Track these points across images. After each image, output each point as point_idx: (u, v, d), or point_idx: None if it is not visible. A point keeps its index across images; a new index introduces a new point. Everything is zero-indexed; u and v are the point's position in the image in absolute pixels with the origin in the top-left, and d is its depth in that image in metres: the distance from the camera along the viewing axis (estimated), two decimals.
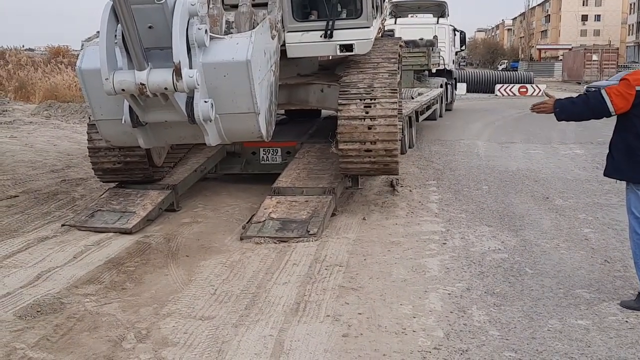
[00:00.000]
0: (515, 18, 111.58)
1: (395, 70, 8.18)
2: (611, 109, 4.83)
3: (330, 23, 8.14)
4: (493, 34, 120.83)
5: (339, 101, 7.71)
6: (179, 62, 5.44)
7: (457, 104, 24.85)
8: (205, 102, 5.95)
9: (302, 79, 9.37)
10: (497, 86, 34.18)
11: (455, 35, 23.61)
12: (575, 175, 10.55)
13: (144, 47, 5.55)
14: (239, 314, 4.92)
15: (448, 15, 22.34)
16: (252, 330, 4.61)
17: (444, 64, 21.05)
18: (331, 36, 8.16)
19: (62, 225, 7.27)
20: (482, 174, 10.74)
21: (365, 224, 7.50)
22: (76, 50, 29.03)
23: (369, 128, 7.60)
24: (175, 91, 5.60)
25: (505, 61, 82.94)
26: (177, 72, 5.45)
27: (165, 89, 5.56)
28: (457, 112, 23.05)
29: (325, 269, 5.91)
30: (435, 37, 20.16)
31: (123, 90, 5.58)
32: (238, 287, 5.51)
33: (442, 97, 19.58)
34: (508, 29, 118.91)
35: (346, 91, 7.74)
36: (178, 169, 8.79)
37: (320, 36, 8.21)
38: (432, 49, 18.82)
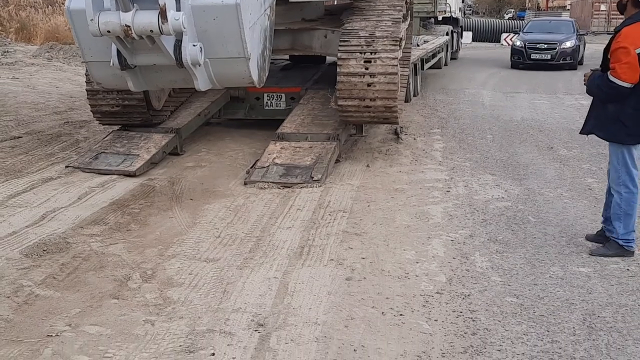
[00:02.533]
0: None
1: (400, 18, 8.00)
2: (627, 85, 4.75)
3: None
4: None
5: (339, 54, 7.54)
6: (165, 4, 5.29)
7: (462, 53, 24.55)
8: (194, 45, 5.79)
9: (306, 24, 9.23)
10: (504, 35, 33.70)
11: None
12: (580, 125, 10.46)
13: None
14: (244, 256, 4.96)
15: None
16: (257, 272, 4.65)
17: (450, 12, 20.70)
18: None
19: (66, 166, 7.27)
20: (486, 123, 10.69)
21: (369, 171, 7.50)
22: None
23: (369, 85, 7.46)
24: (161, 34, 5.46)
25: (512, 10, 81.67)
26: (163, 14, 5.30)
27: (151, 31, 5.42)
28: (463, 61, 22.80)
29: (329, 215, 5.93)
30: None
31: (108, 31, 5.46)
32: (242, 230, 5.54)
33: (447, 46, 19.34)
34: None
35: (346, 41, 7.57)
36: (181, 112, 8.74)
37: None
38: None
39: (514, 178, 7.26)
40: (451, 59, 21.12)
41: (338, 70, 7.50)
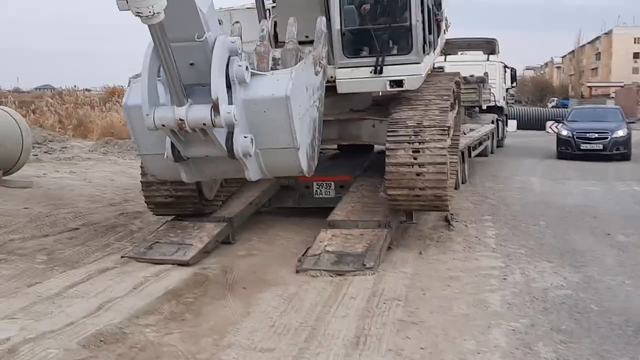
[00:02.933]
0: (565, 56, 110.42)
1: (447, 107, 8.12)
2: None
3: (380, 59, 8.18)
4: (542, 71, 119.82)
5: (387, 144, 7.65)
6: (217, 98, 5.53)
7: (508, 141, 24.61)
8: (245, 137, 5.97)
9: (354, 114, 9.38)
10: (549, 123, 33.70)
11: (505, 72, 23.51)
12: (637, 212, 10.30)
13: (187, 84, 5.66)
14: (299, 346, 4.89)
15: (498, 53, 22.28)
16: None
17: (495, 101, 20.94)
18: (381, 72, 8.20)
19: (122, 257, 7.37)
20: (538, 210, 10.56)
21: (421, 258, 7.42)
22: None
23: (418, 175, 7.52)
24: (214, 127, 5.66)
25: (555, 99, 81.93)
26: (215, 108, 5.53)
27: (204, 124, 5.64)
28: (509, 148, 22.82)
29: (384, 303, 5.85)
30: (485, 73, 20.10)
31: (163, 125, 5.70)
32: (296, 319, 5.49)
33: (493, 134, 19.42)
34: (557, 67, 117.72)
35: (394, 131, 7.68)
36: (233, 202, 8.86)
37: (370, 72, 8.24)
38: (483, 86, 18.78)
39: (572, 265, 7.09)
40: (497, 146, 21.17)
41: (387, 160, 7.57)
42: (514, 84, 25.68)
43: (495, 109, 21.02)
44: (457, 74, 9.52)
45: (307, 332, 5.18)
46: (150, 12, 4.76)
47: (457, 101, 9.76)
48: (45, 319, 5.37)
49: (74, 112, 24.16)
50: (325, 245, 7.32)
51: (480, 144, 15.69)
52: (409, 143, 7.58)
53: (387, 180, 7.62)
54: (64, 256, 7.38)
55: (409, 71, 8.25)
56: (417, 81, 8.30)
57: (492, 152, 19.48)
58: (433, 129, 7.62)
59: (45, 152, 17.25)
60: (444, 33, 10.29)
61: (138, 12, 4.77)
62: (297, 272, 6.88)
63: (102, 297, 6.00)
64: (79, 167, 14.98)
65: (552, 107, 65.56)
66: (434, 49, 9.24)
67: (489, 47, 22.08)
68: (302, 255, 7.27)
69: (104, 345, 4.83)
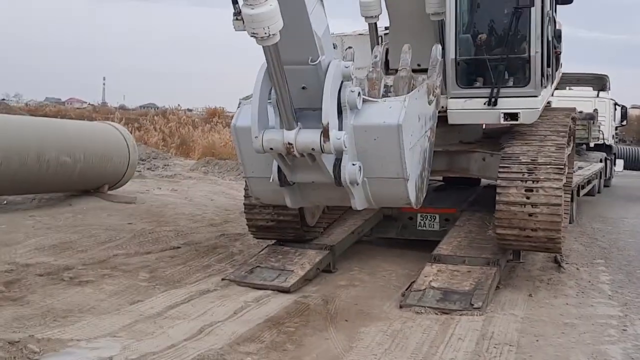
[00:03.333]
0: None
1: (564, 144, 7.68)
2: None
3: (495, 90, 7.84)
4: None
5: (498, 181, 7.30)
6: (327, 123, 5.36)
7: (615, 181, 23.50)
8: (353, 164, 5.77)
9: (463, 146, 9.07)
10: None
11: (615, 109, 22.51)
12: None
13: (298, 107, 5.55)
14: None
15: (609, 89, 21.37)
16: None
17: (604, 139, 20.05)
18: (495, 104, 7.86)
19: (222, 279, 7.32)
20: None
21: (532, 301, 7.00)
22: (230, 112, 30.44)
23: (530, 215, 7.11)
24: (322, 152, 5.49)
25: None
26: (325, 133, 5.37)
27: (313, 149, 5.48)
28: (616, 189, 21.75)
29: (495, 347, 5.50)
30: (595, 110, 19.30)
31: (271, 148, 5.57)
32: (401, 358, 5.22)
33: (601, 173, 18.56)
34: None
35: (506, 167, 7.32)
36: (335, 229, 8.71)
37: (484, 103, 7.92)
38: (593, 123, 18.02)
39: None
40: (604, 186, 20.22)
41: (497, 197, 7.21)
42: (624, 122, 24.52)
43: (603, 148, 20.10)
44: (573, 109, 9.05)
45: None
46: (266, 33, 4.69)
47: (572, 138, 9.29)
48: (146, 339, 5.33)
49: (176, 131, 24.84)
50: (431, 281, 7.03)
51: (589, 182, 14.98)
52: (522, 181, 7.20)
53: (496, 219, 7.27)
54: (166, 275, 7.40)
55: (524, 104, 7.89)
56: (533, 115, 7.92)
57: (599, 192, 18.61)
58: (548, 167, 7.21)
59: (148, 169, 17.73)
60: (561, 67, 9.86)
61: (254, 33, 4.71)
62: (401, 307, 6.61)
63: (203, 319, 5.93)
64: (180, 185, 15.26)
65: None
66: (552, 83, 8.84)
67: (599, 83, 21.22)
68: (406, 290, 7.02)
69: None
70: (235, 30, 4.91)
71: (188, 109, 48.90)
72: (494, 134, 9.18)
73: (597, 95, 21.10)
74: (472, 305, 6.51)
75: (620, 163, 28.80)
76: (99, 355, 4.85)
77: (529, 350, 5.44)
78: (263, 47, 4.91)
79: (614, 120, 22.56)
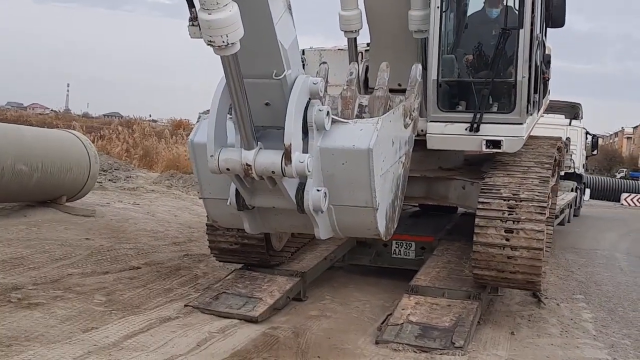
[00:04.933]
0: (637, 127, 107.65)
1: (548, 177, 7.25)
2: None
3: (478, 115, 7.45)
4: (611, 140, 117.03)
5: (477, 220, 6.81)
6: (290, 144, 4.82)
7: (583, 210, 23.47)
8: (318, 190, 5.23)
9: (443, 173, 8.65)
10: (624, 195, 32.41)
11: (587, 138, 22.51)
12: None
13: (261, 125, 5.04)
14: None
15: (582, 118, 21.37)
16: None
17: (574, 168, 19.96)
18: (477, 130, 7.45)
19: (185, 305, 6.78)
20: (633, 292, 9.65)
21: (514, 339, 6.62)
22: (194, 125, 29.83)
23: (509, 258, 6.69)
24: (284, 176, 4.94)
25: (625, 170, 79.72)
26: (287, 155, 4.83)
27: (273, 172, 4.92)
28: (585, 218, 21.71)
29: None
30: (567, 139, 19.19)
31: (228, 169, 5.01)
32: None
33: (573, 202, 18.45)
34: (628, 137, 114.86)
35: (486, 203, 6.85)
36: (306, 255, 8.23)
37: (466, 129, 7.50)
38: (565, 151, 17.88)
39: None
40: (574, 215, 20.12)
41: (475, 237, 6.76)
42: (595, 152, 24.51)
43: (574, 177, 20.02)
44: (559, 139, 8.73)
45: None
46: (224, 42, 4.17)
47: (557, 169, 8.97)
48: None
49: (140, 142, 24.14)
50: (409, 314, 6.58)
51: (561, 212, 14.79)
52: (501, 220, 6.72)
53: (474, 260, 6.85)
54: (124, 299, 6.82)
55: (508, 132, 7.45)
56: (517, 144, 7.50)
57: (568, 222, 18.48)
58: (530, 204, 6.75)
59: (109, 180, 17.01)
60: (549, 94, 9.55)
61: (210, 42, 4.20)
62: (377, 343, 6.15)
63: (163, 352, 5.41)
64: (142, 199, 14.62)
65: (621, 177, 63.91)
66: (538, 110, 8.49)
67: (572, 111, 21.20)
68: (382, 324, 6.57)
69: None
70: (191, 37, 4.42)
71: (153, 120, 48.15)
72: (476, 161, 8.82)
73: (570, 123, 21.04)
74: (454, 343, 6.08)
75: (587, 192, 28.98)
76: None
77: None
78: (221, 57, 4.39)
79: (585, 150, 22.57)
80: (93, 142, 19.82)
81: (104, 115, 65.39)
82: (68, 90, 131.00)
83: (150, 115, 38.16)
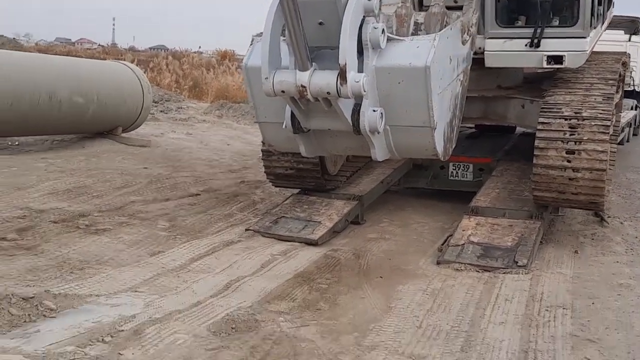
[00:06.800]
0: None
1: (612, 94, 6.95)
2: None
3: (539, 30, 7.16)
4: None
5: (536, 142, 6.61)
6: (345, 64, 4.63)
7: None
8: (374, 111, 5.08)
9: (501, 92, 8.43)
10: None
11: None
12: None
13: (315, 45, 4.85)
14: (456, 356, 4.19)
15: None
16: None
17: (634, 85, 19.23)
18: (538, 45, 7.16)
19: (246, 229, 6.87)
20: None
21: (578, 258, 6.53)
22: (240, 55, 29.60)
23: (571, 179, 6.52)
24: (339, 97, 4.79)
25: None
26: (342, 75, 4.64)
27: (328, 93, 4.77)
28: None
29: (547, 310, 5.04)
30: (627, 55, 18.46)
31: (283, 91, 4.87)
32: (446, 321, 4.77)
33: (632, 121, 17.87)
34: None
35: (546, 123, 6.64)
36: (363, 178, 8.21)
37: (525, 45, 7.23)
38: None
39: None
40: (633, 134, 19.52)
41: (535, 160, 6.60)
42: None
43: (634, 94, 19.30)
44: (624, 53, 8.37)
45: (462, 339, 4.46)
46: None
47: (621, 86, 8.64)
48: (170, 295, 4.90)
49: (190, 73, 24.19)
50: (470, 235, 6.54)
51: (621, 131, 14.35)
52: (562, 142, 6.52)
53: (534, 182, 6.71)
54: (186, 224, 6.95)
55: (571, 46, 7.15)
56: (580, 58, 7.20)
57: (627, 141, 17.94)
58: (593, 124, 6.50)
59: (161, 112, 17.18)
60: (613, 6, 9.12)
61: None
62: (439, 263, 6.15)
63: (229, 274, 5.50)
64: (195, 129, 14.75)
65: None
66: (602, 23, 8.13)
67: (631, 26, 20.24)
68: (443, 245, 6.55)
69: (235, 333, 4.29)
70: None
71: (199, 52, 48.02)
72: (536, 79, 8.56)
73: (629, 39, 20.15)
74: (517, 262, 6.04)
75: None
76: (121, 313, 4.41)
77: (586, 315, 4.97)
78: None
79: None
80: (144, 74, 19.99)
81: (150, 49, 65.40)
82: (114, 25, 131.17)
83: (199, 47, 37.87)
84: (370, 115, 5.08)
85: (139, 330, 4.11)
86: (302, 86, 4.80)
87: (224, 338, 4.19)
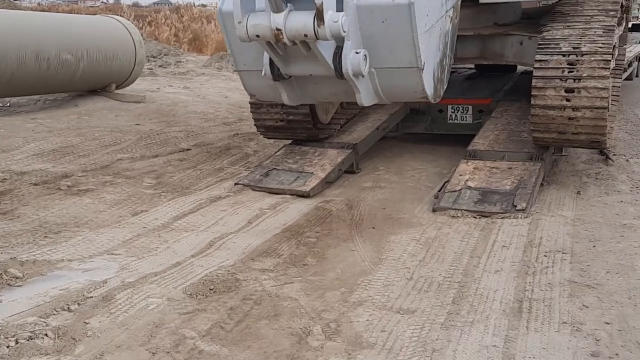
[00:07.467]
0: None
1: (613, 26, 6.54)
2: None
3: None
4: None
5: (534, 81, 6.23)
6: (322, 2, 4.28)
7: None
8: (357, 53, 4.76)
9: (498, 29, 8.05)
10: None
11: None
12: None
13: None
14: (446, 309, 3.97)
15: None
16: (468, 335, 3.62)
17: None
18: None
19: (236, 183, 6.65)
20: None
21: (581, 199, 6.26)
22: None
23: (570, 119, 6.19)
24: (317, 39, 4.46)
25: None
26: (319, 15, 4.30)
27: (305, 35, 4.43)
28: None
29: (545, 256, 4.80)
30: None
31: (257, 36, 4.54)
32: (439, 272, 4.56)
33: None
34: None
35: (543, 61, 6.23)
36: (357, 126, 7.92)
37: None
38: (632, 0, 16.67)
39: None
40: None
41: (532, 100, 6.25)
42: None
43: None
44: None
45: (454, 291, 4.24)
46: None
47: (625, 16, 8.21)
48: (148, 256, 4.71)
49: (189, 26, 23.74)
50: (467, 180, 6.28)
51: (629, 65, 13.89)
52: (561, 79, 6.16)
53: (532, 123, 6.39)
54: (174, 180, 6.73)
55: None
56: None
57: (636, 76, 17.44)
58: (593, 59, 6.11)
59: (159, 66, 16.84)
60: None
61: None
62: (434, 210, 5.91)
63: (214, 231, 5.29)
64: (192, 83, 14.43)
65: None
66: None
67: None
68: (439, 191, 6.30)
69: (213, 295, 4.09)
70: None
71: (202, 5, 47.27)
72: (535, 14, 8.16)
73: None
74: (515, 206, 5.79)
75: None
76: (92, 278, 4.21)
77: (586, 259, 4.73)
78: None
79: None
80: (141, 29, 19.60)
81: (154, 4, 64.53)
82: None
83: (196, 2, 37.35)
84: (353, 58, 4.78)
85: (109, 296, 3.91)
86: (278, 29, 4.48)
87: (201, 300, 3.99)
